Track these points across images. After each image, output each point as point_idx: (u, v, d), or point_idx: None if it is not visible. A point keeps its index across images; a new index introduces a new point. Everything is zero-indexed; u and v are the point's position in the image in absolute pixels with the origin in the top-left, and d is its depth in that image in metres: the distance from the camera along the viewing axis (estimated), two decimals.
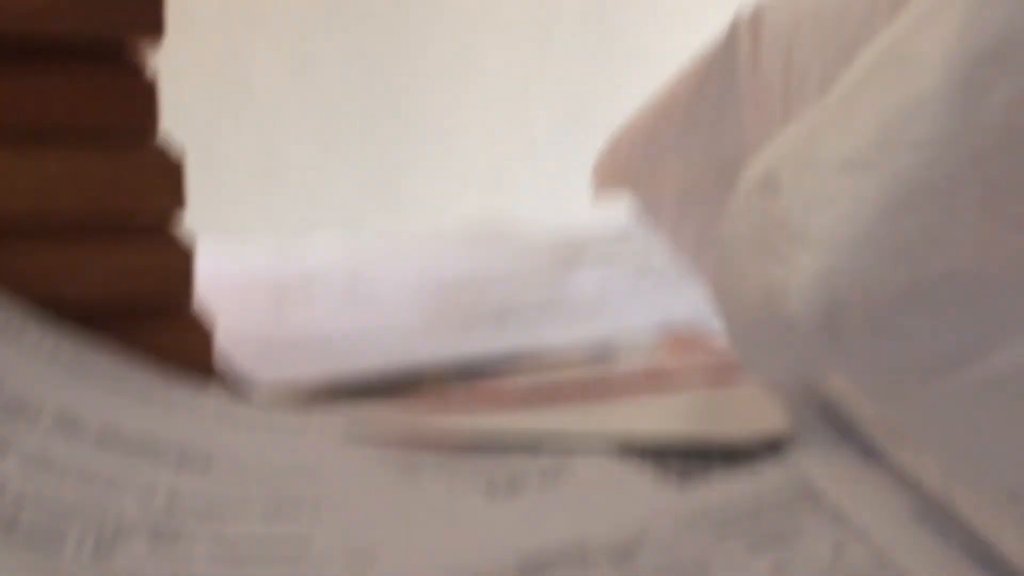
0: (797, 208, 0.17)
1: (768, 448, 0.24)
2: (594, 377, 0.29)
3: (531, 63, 1.01)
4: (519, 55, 1.00)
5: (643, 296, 0.39)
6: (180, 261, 0.28)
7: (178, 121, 0.32)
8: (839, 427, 0.26)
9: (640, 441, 0.25)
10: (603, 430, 0.25)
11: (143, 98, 0.28)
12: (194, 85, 0.83)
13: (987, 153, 0.14)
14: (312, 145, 0.91)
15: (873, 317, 0.15)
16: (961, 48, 0.14)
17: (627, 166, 0.34)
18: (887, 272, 0.15)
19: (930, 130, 0.15)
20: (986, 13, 0.15)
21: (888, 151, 0.15)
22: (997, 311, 0.14)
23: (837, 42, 0.25)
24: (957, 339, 0.15)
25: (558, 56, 1.02)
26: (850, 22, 0.24)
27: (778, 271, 0.17)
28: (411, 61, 0.94)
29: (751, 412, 0.26)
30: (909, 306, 0.15)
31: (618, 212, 0.56)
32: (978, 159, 0.14)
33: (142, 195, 0.28)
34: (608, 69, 1.04)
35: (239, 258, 0.48)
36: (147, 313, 0.28)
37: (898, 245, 0.15)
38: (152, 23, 0.28)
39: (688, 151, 0.33)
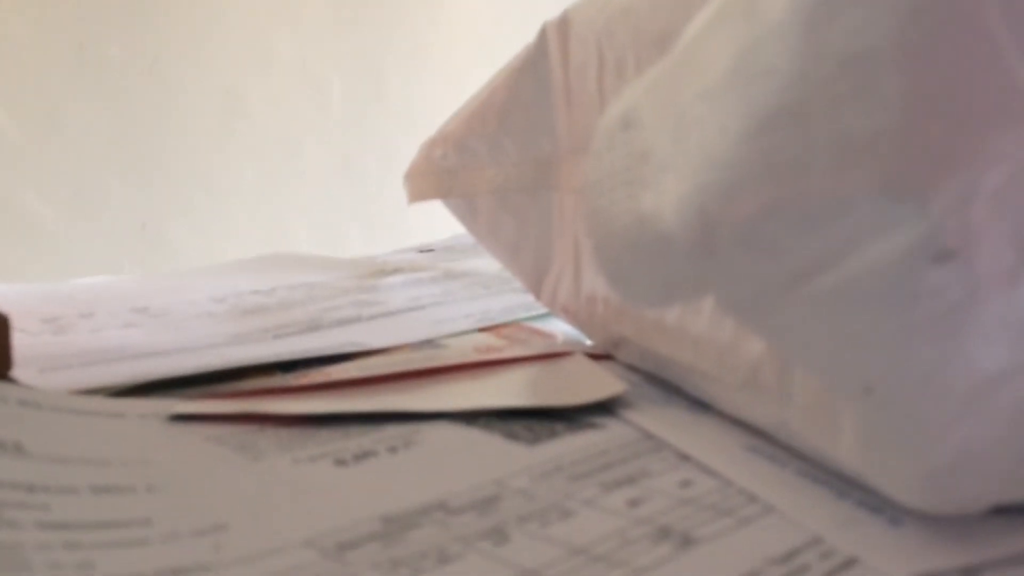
0: (661, 139, 0.18)
1: (603, 409, 0.26)
2: (425, 358, 0.29)
3: (302, 113, 1.00)
4: (289, 106, 0.99)
5: (456, 298, 0.39)
6: None
7: None
8: (667, 386, 0.27)
9: (484, 410, 0.25)
10: (446, 403, 0.25)
11: None
12: None
13: (832, 78, 0.16)
14: (66, 194, 0.85)
15: (741, 231, 0.16)
16: None
17: (441, 172, 0.35)
18: (750, 189, 0.16)
19: (780, 58, 0.16)
20: None
21: (743, 79, 0.17)
22: (848, 222, 0.16)
23: (651, 32, 0.27)
24: (815, 249, 0.16)
25: (330, 108, 1.02)
26: (663, 11, 0.26)
27: (647, 197, 0.18)
28: (173, 105, 0.90)
29: (582, 380, 0.27)
30: (772, 220, 0.16)
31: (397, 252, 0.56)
32: (825, 84, 0.16)
33: None
34: (377, 124, 1.06)
35: None
36: None
37: (759, 164, 0.16)
38: None
39: (503, 153, 0.34)
